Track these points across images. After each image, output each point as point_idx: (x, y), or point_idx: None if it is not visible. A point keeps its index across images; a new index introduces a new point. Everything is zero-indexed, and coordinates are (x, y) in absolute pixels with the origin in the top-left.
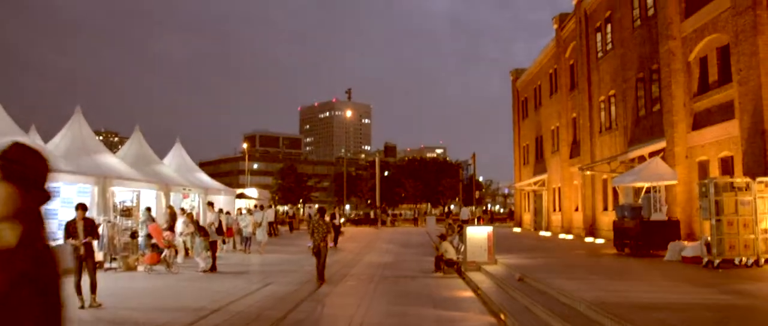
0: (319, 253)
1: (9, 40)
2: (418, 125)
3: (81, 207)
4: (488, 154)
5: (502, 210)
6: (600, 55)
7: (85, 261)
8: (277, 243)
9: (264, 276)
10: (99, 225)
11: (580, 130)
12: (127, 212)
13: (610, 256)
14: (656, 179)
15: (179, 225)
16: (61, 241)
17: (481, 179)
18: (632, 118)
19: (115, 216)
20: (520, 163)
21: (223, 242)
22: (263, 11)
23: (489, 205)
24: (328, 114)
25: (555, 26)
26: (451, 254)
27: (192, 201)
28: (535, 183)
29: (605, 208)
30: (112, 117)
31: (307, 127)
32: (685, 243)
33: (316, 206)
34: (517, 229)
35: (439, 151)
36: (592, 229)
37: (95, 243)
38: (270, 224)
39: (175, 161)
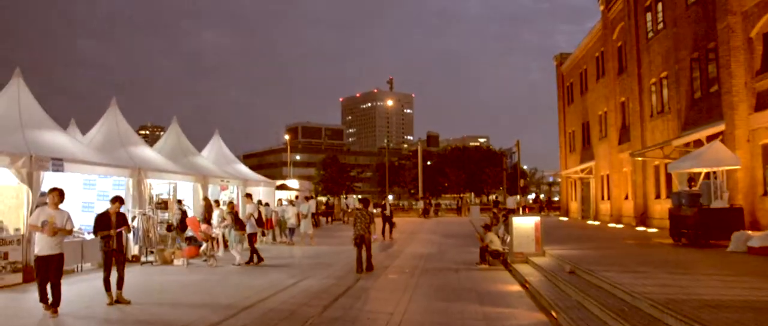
0: (361, 243)
1: (56, 35)
2: (460, 114)
3: (118, 200)
4: (531, 142)
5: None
6: (650, 35)
7: (115, 256)
8: (318, 234)
9: (302, 269)
10: (134, 218)
11: (630, 114)
12: (162, 204)
13: (667, 247)
14: (717, 164)
15: (215, 217)
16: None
17: (525, 168)
18: (686, 101)
19: (151, 209)
20: (566, 150)
21: (263, 234)
22: (304, 4)
23: (539, 194)
24: (369, 104)
25: (601, 7)
26: (496, 245)
27: (231, 193)
28: (582, 171)
29: (657, 196)
30: (156, 111)
31: (350, 117)
32: (751, 232)
33: (356, 197)
34: (563, 218)
35: (481, 140)
36: (643, 218)
37: (130, 236)
38: (313, 215)
39: (214, 153)
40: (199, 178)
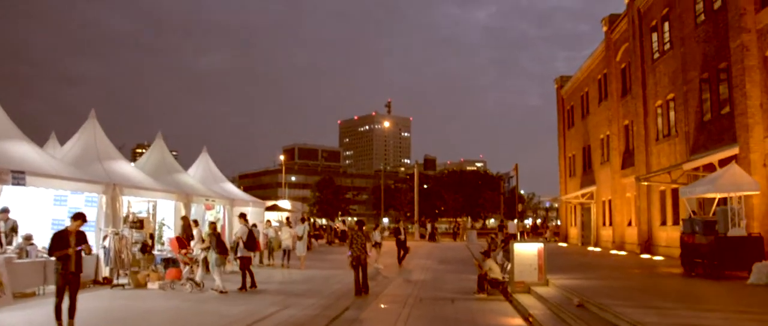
0: (359, 265)
1: (51, 55)
2: (458, 139)
3: (80, 218)
4: (529, 167)
5: (552, 224)
6: (656, 56)
7: (71, 280)
8: (311, 257)
9: (284, 296)
10: (105, 237)
11: (634, 137)
12: (138, 223)
13: (679, 277)
14: (735, 189)
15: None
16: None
17: (522, 192)
18: (695, 123)
19: (126, 228)
20: (566, 174)
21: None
22: (301, 27)
23: (535, 219)
24: (367, 127)
25: (604, 28)
26: (495, 273)
27: (217, 213)
28: (582, 196)
29: (663, 222)
30: (153, 131)
31: (347, 140)
32: None
33: (351, 218)
34: (562, 244)
35: (479, 164)
36: (647, 245)
37: (101, 256)
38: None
39: (201, 171)
40: (181, 197)
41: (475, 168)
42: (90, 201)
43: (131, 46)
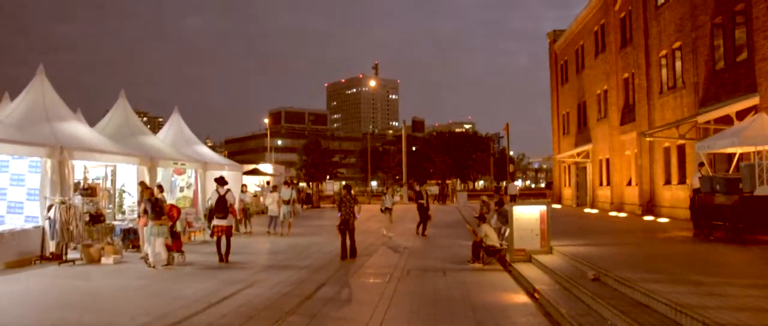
0: (346, 229)
1: (37, 18)
2: (447, 100)
3: None
4: (518, 129)
5: (533, 185)
6: (660, 1)
7: None
8: (296, 223)
9: (254, 271)
10: (51, 206)
11: (635, 91)
12: (89, 191)
13: (697, 242)
14: (763, 142)
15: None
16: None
17: (512, 153)
18: (706, 73)
19: (77, 196)
20: (560, 133)
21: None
22: None
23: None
24: (355, 90)
25: None
26: (492, 240)
27: (189, 178)
28: (577, 155)
29: (667, 181)
30: (142, 98)
31: (335, 103)
32: None
33: (343, 183)
34: (556, 206)
35: (467, 126)
36: (650, 206)
37: (47, 229)
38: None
39: (172, 134)
40: (144, 160)
41: (463, 129)
42: (34, 167)
43: (115, 9)
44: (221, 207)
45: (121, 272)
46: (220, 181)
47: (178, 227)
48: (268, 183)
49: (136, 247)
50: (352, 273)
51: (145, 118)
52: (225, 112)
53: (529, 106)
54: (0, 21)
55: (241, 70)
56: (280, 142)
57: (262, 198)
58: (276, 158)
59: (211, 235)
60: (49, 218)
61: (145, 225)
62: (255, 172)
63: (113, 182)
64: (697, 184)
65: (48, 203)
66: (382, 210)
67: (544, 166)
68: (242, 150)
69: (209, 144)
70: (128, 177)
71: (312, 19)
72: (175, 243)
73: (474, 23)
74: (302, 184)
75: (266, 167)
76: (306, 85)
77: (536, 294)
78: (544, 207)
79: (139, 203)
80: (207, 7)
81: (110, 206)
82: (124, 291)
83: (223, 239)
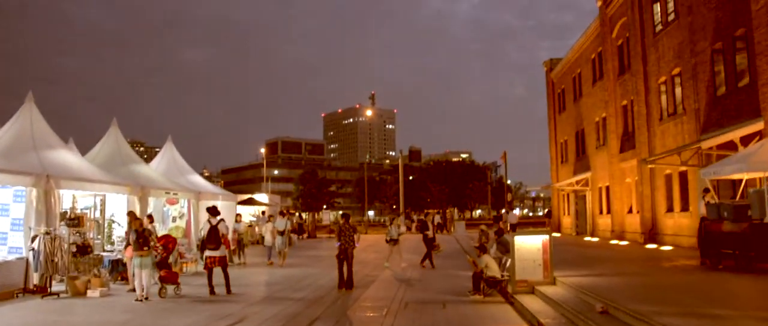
0: (344, 258)
1: (35, 50)
2: (443, 130)
3: None
4: (515, 158)
5: (530, 214)
6: (658, 28)
7: None
8: (292, 253)
9: (244, 304)
10: (35, 237)
11: (635, 118)
12: (75, 221)
13: (705, 271)
14: None
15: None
16: None
17: (509, 182)
18: (707, 99)
19: (63, 226)
20: (558, 160)
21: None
22: (285, 22)
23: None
24: (351, 120)
25: (599, 3)
26: (493, 271)
27: (182, 208)
28: (576, 183)
29: (669, 209)
30: (139, 128)
31: (331, 133)
32: None
33: (340, 212)
34: (556, 234)
35: (464, 155)
36: (652, 234)
37: (31, 261)
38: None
39: (165, 163)
40: (134, 190)
41: (460, 159)
42: (19, 196)
43: (112, 42)
44: (213, 237)
45: (106, 306)
46: (212, 211)
47: (170, 258)
48: (263, 213)
49: (125, 279)
50: (348, 306)
51: (142, 148)
52: (222, 142)
53: (526, 136)
54: None
55: (238, 101)
56: (276, 172)
57: (257, 228)
58: (273, 188)
59: (205, 267)
60: (33, 249)
61: (131, 256)
62: (250, 202)
63: (102, 212)
64: (704, 211)
65: (32, 234)
66: (387, 241)
67: (542, 195)
68: (239, 179)
69: (206, 174)
70: (118, 207)
71: (308, 51)
72: (170, 275)
73: (470, 54)
74: (303, 214)
75: (262, 197)
76: (303, 116)
77: None
78: (546, 237)
79: (127, 234)
80: (204, 40)
81: (99, 237)
82: None
83: (217, 271)
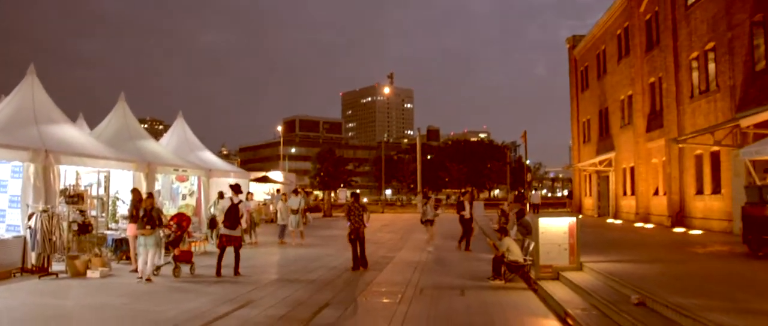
0: (356, 238)
1: (56, 35)
2: (462, 110)
3: None
4: (534, 138)
5: (549, 195)
6: (690, 0)
7: None
8: (307, 233)
9: (252, 287)
10: (32, 215)
11: (664, 96)
12: (75, 198)
13: (746, 259)
14: None
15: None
16: None
17: (528, 163)
18: (744, 75)
19: (61, 203)
20: (580, 140)
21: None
22: (303, 3)
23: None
24: (370, 99)
25: None
26: (516, 255)
27: (192, 185)
28: (599, 163)
29: (699, 191)
30: (158, 108)
31: (350, 112)
32: None
33: (349, 192)
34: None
35: (482, 135)
36: (679, 217)
37: (27, 239)
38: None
39: (175, 139)
40: (140, 166)
41: (478, 139)
42: (17, 172)
43: (134, 26)
44: (232, 216)
45: (105, 287)
46: (236, 189)
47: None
48: (278, 191)
49: (130, 259)
50: (360, 291)
51: (160, 126)
52: (242, 122)
53: (545, 116)
54: (18, 37)
55: (257, 82)
56: (293, 150)
57: (271, 207)
58: (290, 166)
59: (218, 246)
60: (30, 227)
61: (134, 235)
62: (264, 180)
63: (107, 189)
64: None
65: (29, 211)
66: (422, 222)
67: (561, 176)
68: (257, 157)
69: (224, 152)
70: (124, 184)
71: (326, 33)
72: (184, 254)
73: (490, 34)
74: (317, 193)
75: (276, 175)
76: (321, 95)
77: (569, 320)
78: (573, 219)
79: (130, 211)
80: (223, 23)
81: (103, 215)
82: (100, 311)
83: (231, 251)
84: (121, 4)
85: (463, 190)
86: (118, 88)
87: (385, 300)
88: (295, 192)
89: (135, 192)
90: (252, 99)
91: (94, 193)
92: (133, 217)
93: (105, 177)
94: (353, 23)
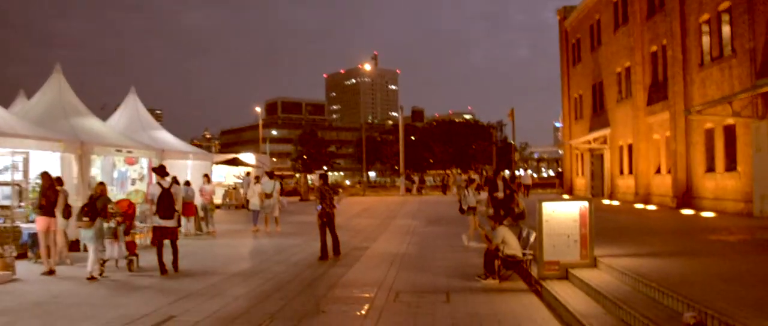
0: (326, 222)
1: (35, 11)
2: (446, 91)
3: None
4: (519, 119)
5: (535, 175)
6: None
7: None
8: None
9: (173, 297)
10: None
11: (668, 65)
12: None
13: None
14: None
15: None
16: None
17: (514, 143)
18: (766, 37)
19: None
20: (571, 117)
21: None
22: None
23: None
24: (354, 81)
25: None
26: (513, 248)
27: (142, 169)
28: (593, 141)
29: (710, 169)
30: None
31: (334, 94)
32: None
33: (318, 173)
34: (566, 196)
35: (467, 116)
36: (686, 198)
37: None
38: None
39: (126, 117)
40: (70, 146)
41: (463, 119)
42: None
43: (114, 6)
44: (166, 204)
45: (25, 287)
46: (160, 171)
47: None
48: (247, 174)
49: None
50: (319, 297)
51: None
52: (225, 105)
53: (529, 97)
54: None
55: (241, 63)
56: (275, 133)
57: (242, 191)
58: (272, 149)
59: (152, 242)
60: None
61: (45, 229)
62: (235, 162)
63: (25, 174)
64: None
65: None
66: (462, 212)
67: (546, 156)
68: (239, 141)
69: (207, 135)
70: (51, 167)
71: (311, 12)
72: (128, 245)
73: (474, 15)
74: (297, 175)
75: (248, 156)
76: (305, 77)
77: None
78: (584, 204)
79: (41, 199)
80: (206, 2)
81: (21, 204)
82: (17, 314)
83: (168, 244)
84: None
85: (484, 171)
86: (98, 68)
87: (348, 311)
88: (270, 175)
89: (45, 176)
90: (234, 80)
91: (8, 178)
92: (42, 208)
93: (24, 159)
94: (339, 4)
